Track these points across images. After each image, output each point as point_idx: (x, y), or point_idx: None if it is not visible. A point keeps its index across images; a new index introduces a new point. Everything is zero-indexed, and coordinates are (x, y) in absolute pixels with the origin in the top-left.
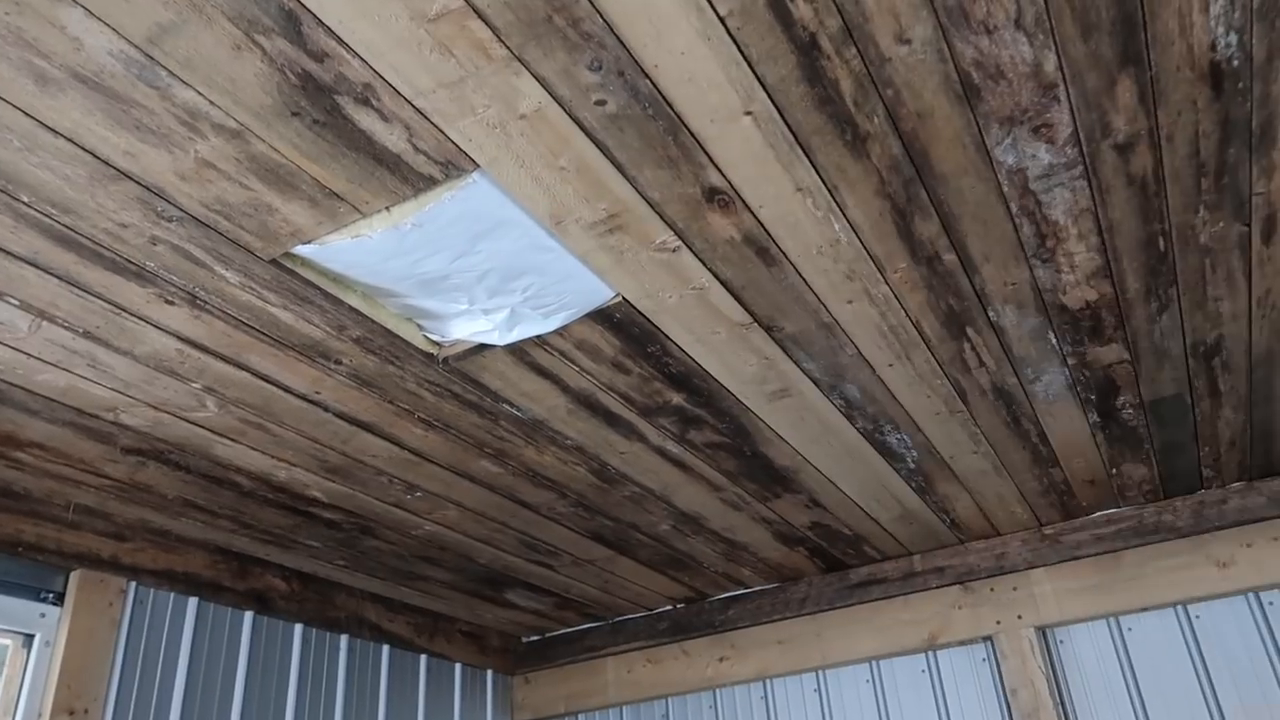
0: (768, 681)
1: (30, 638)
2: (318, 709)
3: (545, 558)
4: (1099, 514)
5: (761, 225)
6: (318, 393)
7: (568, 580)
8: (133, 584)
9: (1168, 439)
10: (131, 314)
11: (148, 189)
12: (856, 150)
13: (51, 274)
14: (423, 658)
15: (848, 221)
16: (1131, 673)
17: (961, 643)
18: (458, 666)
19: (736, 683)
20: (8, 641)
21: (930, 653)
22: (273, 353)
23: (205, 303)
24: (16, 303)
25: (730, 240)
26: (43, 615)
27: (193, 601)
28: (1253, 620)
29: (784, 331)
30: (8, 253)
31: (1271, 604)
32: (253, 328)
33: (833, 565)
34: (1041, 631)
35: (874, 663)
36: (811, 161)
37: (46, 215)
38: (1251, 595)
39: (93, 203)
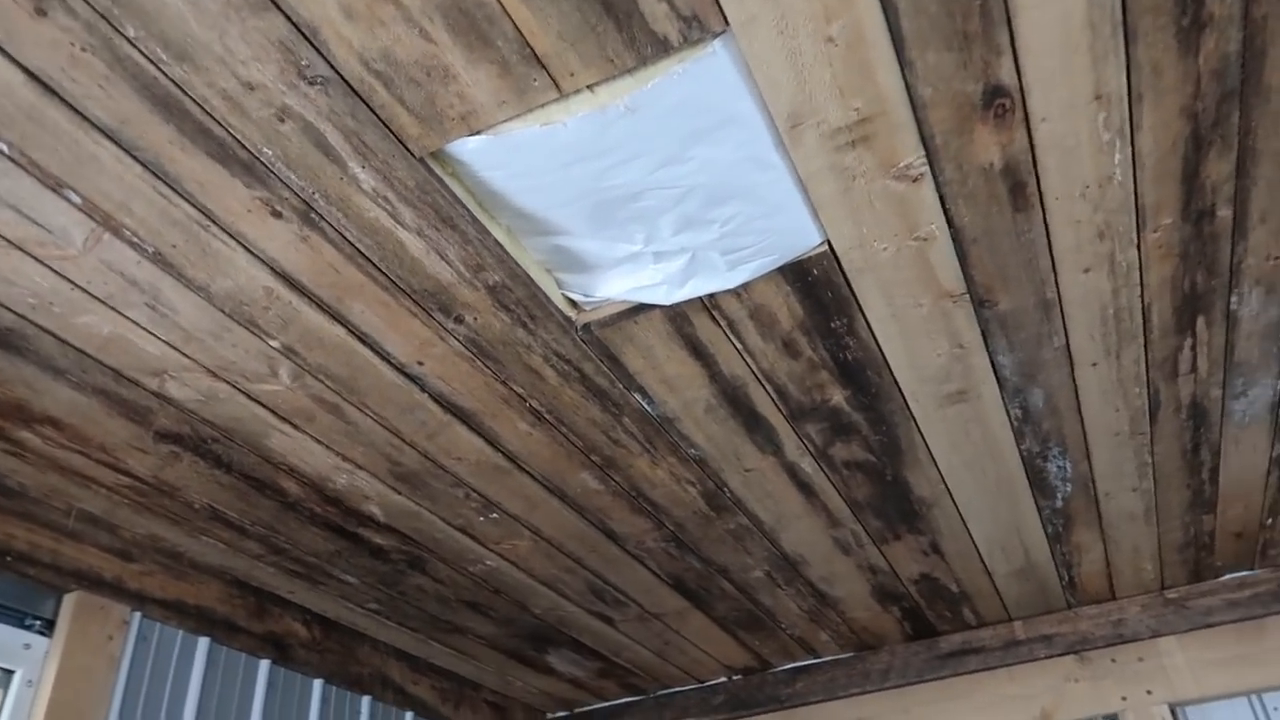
0: None
1: (9, 674)
2: None
3: (609, 609)
4: (1230, 576)
5: (1032, 149)
6: (420, 363)
7: (623, 640)
8: (137, 615)
9: None
10: (223, 227)
11: (298, 29)
12: (1186, 42)
13: (136, 156)
14: None
15: (1133, 151)
16: None
17: None
18: None
19: None
20: None
21: None
22: (383, 300)
23: (321, 217)
24: (78, 200)
25: (986, 169)
26: (27, 646)
27: (204, 642)
28: None
29: (995, 308)
30: (86, 117)
31: None
32: (370, 260)
33: (921, 632)
34: (1173, 709)
35: None
36: (1128, 55)
37: (154, 60)
38: None
39: (220, 45)
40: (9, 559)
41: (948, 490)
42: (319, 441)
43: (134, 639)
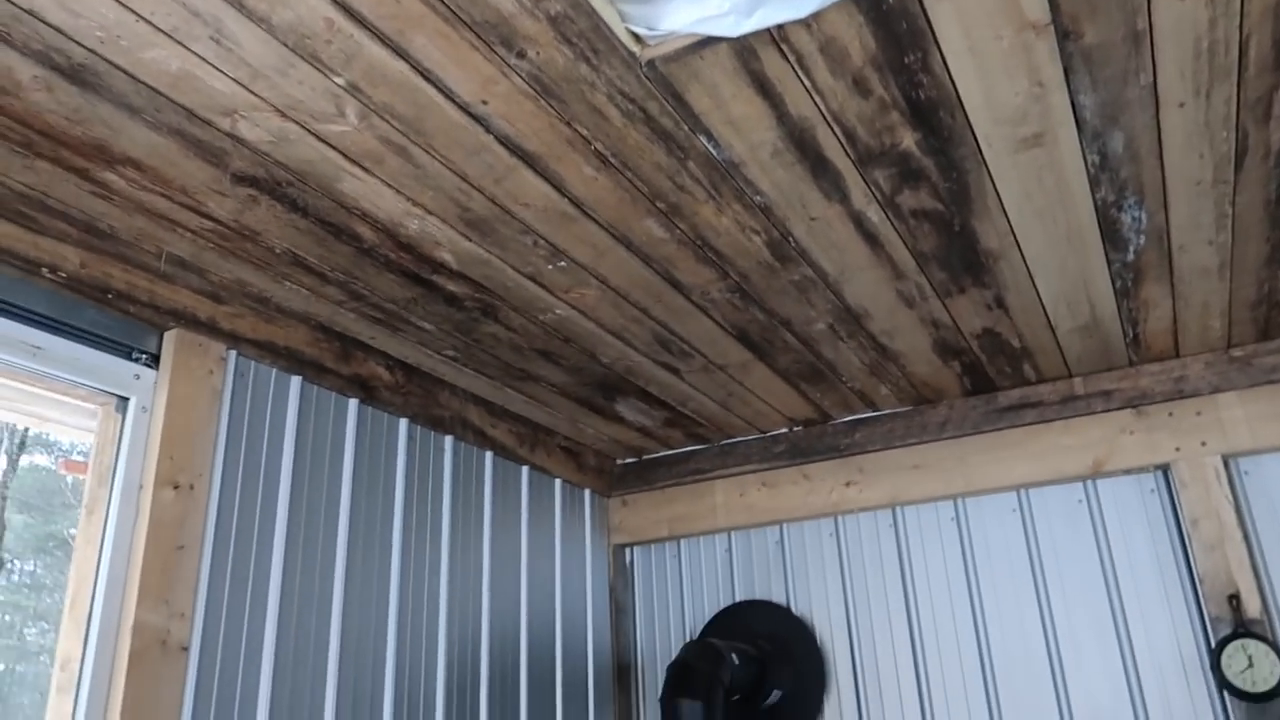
0: (899, 509)
1: (124, 400)
2: (425, 507)
3: (675, 359)
4: None
5: None
6: (484, 102)
7: (689, 391)
8: (233, 352)
9: None
10: None
11: None
12: None
13: None
14: (525, 469)
15: None
16: None
17: (1129, 471)
18: (558, 482)
19: (863, 509)
20: (95, 406)
21: (1089, 482)
22: (444, 32)
23: None
24: None
25: None
26: (137, 377)
27: (295, 380)
28: None
29: (1081, 41)
30: None
31: None
32: None
33: (980, 387)
34: (1226, 461)
35: (1023, 491)
36: None
37: None
38: None
39: None
40: (110, 297)
41: (1016, 242)
42: (389, 185)
43: (232, 374)
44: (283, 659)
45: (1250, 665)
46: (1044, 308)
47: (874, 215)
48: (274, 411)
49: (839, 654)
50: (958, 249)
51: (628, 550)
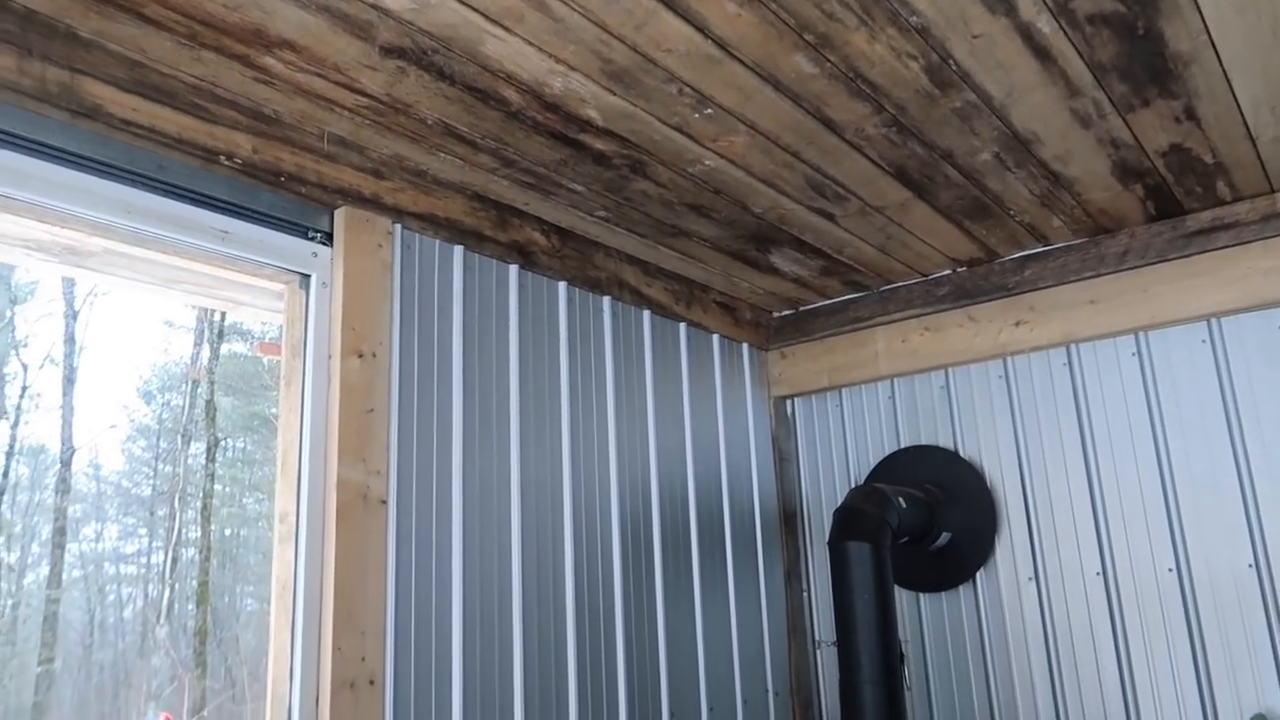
0: (1073, 346)
1: (306, 278)
2: (589, 369)
3: (829, 204)
4: None
5: None
6: None
7: (845, 236)
8: (398, 226)
9: None
10: None
11: None
12: None
13: None
14: (682, 326)
15: None
16: None
17: None
18: (715, 338)
19: (1034, 349)
20: (280, 285)
21: None
22: None
23: None
24: None
25: None
26: (315, 255)
27: (458, 250)
28: None
29: None
30: None
31: None
32: None
33: (1165, 211)
34: None
35: (1214, 320)
36: None
37: None
38: None
39: None
40: (282, 180)
41: (1211, 42)
42: (530, 44)
43: (399, 246)
44: (470, 509)
45: None
46: (1242, 116)
47: (1045, 25)
48: (441, 281)
49: (1010, 496)
50: (1141, 56)
51: (789, 402)
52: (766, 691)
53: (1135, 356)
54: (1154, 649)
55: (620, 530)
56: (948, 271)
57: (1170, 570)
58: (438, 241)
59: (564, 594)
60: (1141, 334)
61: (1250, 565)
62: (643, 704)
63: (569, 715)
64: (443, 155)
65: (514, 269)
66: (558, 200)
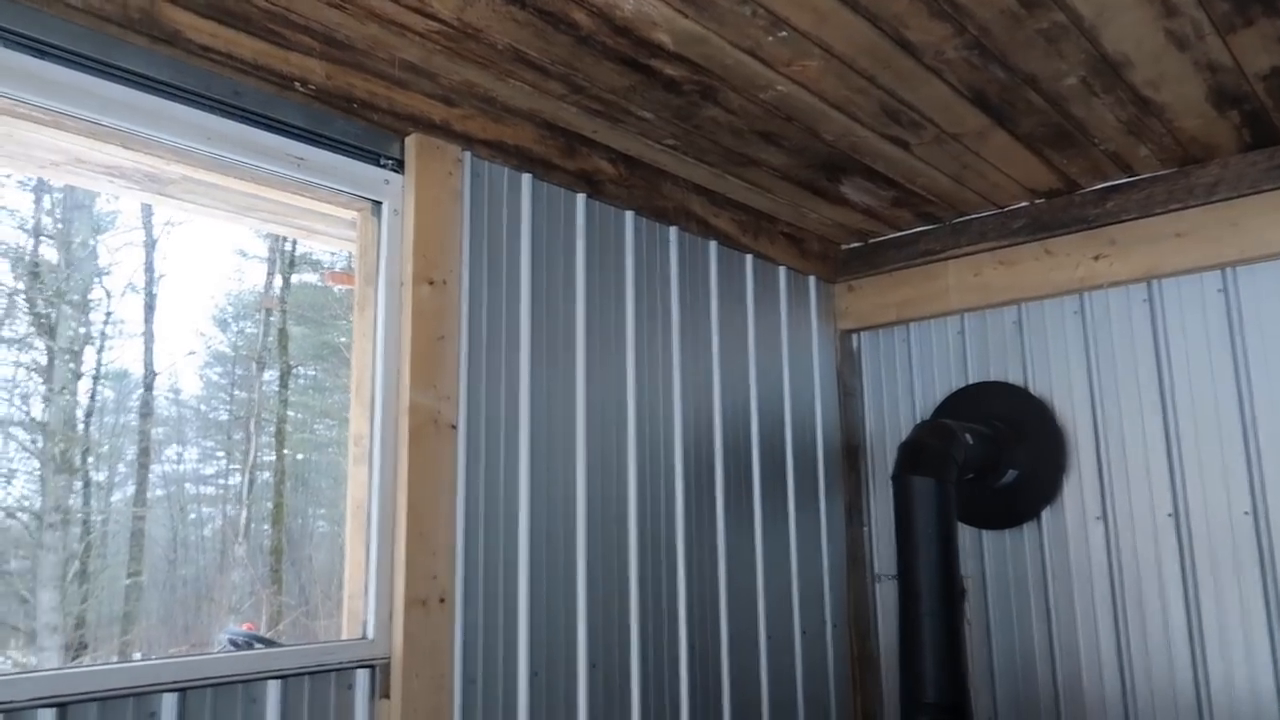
0: (1155, 282)
1: (378, 205)
2: (655, 299)
3: (904, 131)
4: None
5: None
6: None
7: (918, 165)
8: (467, 153)
9: None
10: None
11: None
12: None
13: None
14: (749, 258)
15: None
16: None
17: None
18: (782, 270)
19: (1113, 284)
20: (353, 214)
21: None
22: None
23: None
24: None
25: None
26: (386, 182)
27: (526, 178)
28: None
29: None
30: None
31: None
32: None
33: (1263, 139)
34: None
35: None
36: None
37: None
38: None
39: None
40: (354, 106)
41: None
42: None
43: (469, 174)
44: (537, 434)
45: None
46: None
47: None
48: (509, 209)
49: (1081, 435)
50: None
51: (855, 335)
52: (825, 623)
53: (1221, 293)
54: (1223, 594)
55: (684, 459)
56: (1024, 203)
57: (1246, 513)
58: (506, 169)
59: (627, 519)
60: (1228, 270)
61: None
62: (702, 630)
63: (630, 637)
64: (512, 82)
65: (581, 198)
66: (626, 128)
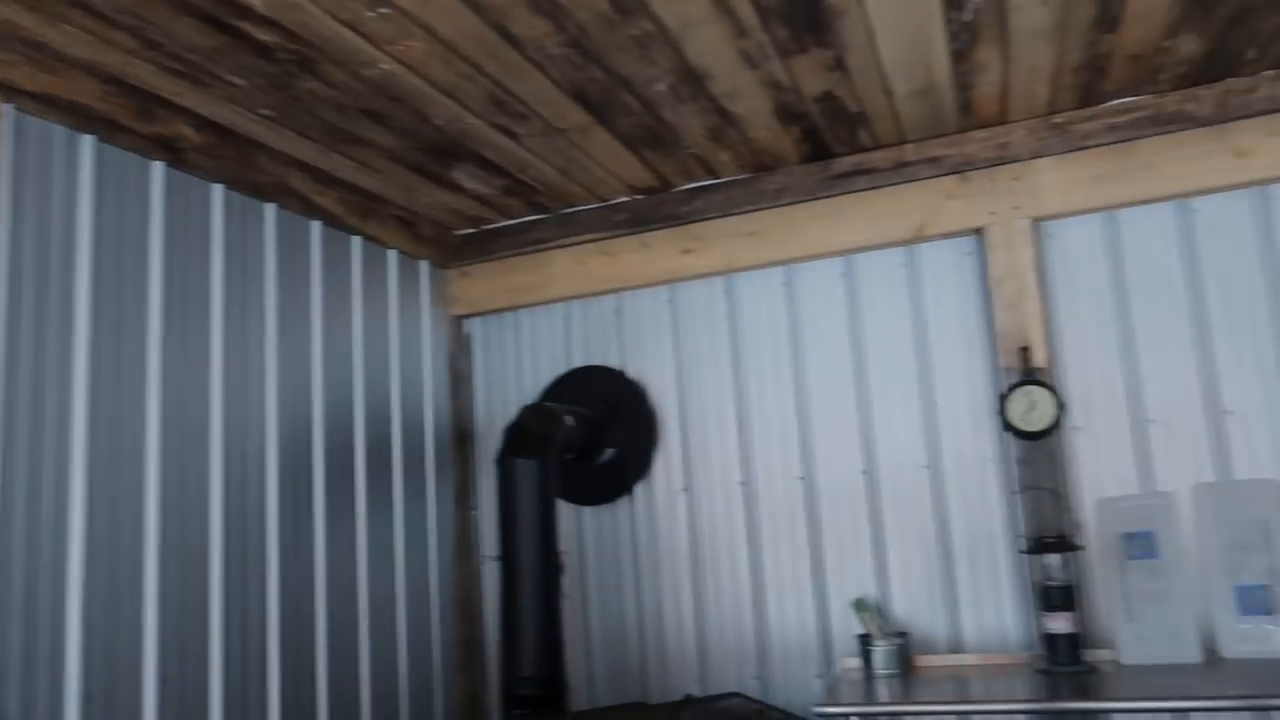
0: (731, 275)
1: None
2: (248, 280)
3: (512, 121)
4: (1115, 102)
5: None
6: None
7: (527, 157)
8: (9, 106)
9: (1246, 4)
10: None
11: None
12: None
13: None
14: (356, 240)
15: None
16: (1118, 267)
17: (948, 235)
18: (391, 254)
19: (698, 276)
20: None
21: (910, 247)
22: None
23: None
24: None
25: None
26: None
27: (88, 139)
28: (1251, 217)
29: None
30: None
31: (1277, 199)
32: None
33: (817, 153)
34: (1035, 223)
35: (848, 257)
36: None
37: None
38: (1257, 189)
39: None
40: None
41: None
42: None
43: (11, 131)
44: (96, 435)
45: (1033, 408)
46: (882, 70)
47: None
48: (65, 174)
49: (669, 414)
50: (801, 4)
51: (467, 321)
52: (430, 611)
53: (784, 286)
54: (780, 548)
55: (279, 456)
56: (625, 198)
57: (800, 478)
58: (61, 128)
59: (209, 525)
60: (788, 266)
61: (862, 471)
62: (297, 635)
63: (211, 648)
64: (66, 27)
65: (159, 165)
66: (213, 92)
